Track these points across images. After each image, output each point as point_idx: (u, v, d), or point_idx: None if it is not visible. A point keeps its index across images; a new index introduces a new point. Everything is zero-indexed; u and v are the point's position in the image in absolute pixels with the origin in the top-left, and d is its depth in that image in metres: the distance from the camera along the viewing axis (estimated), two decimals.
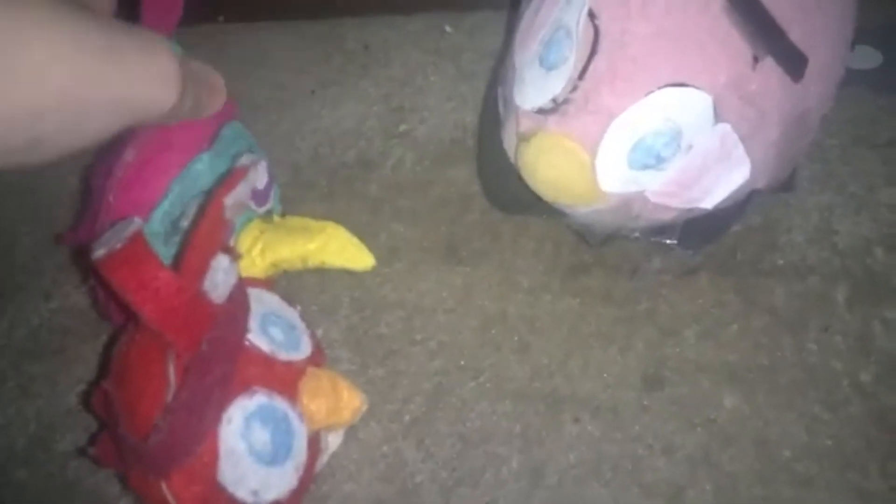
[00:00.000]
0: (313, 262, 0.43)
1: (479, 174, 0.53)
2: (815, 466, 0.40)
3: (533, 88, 0.43)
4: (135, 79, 0.29)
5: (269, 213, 0.46)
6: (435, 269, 0.51)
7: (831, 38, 0.42)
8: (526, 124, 0.43)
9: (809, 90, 0.41)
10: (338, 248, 0.44)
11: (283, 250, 0.42)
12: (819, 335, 0.44)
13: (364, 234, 0.52)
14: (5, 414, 0.47)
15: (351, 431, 0.44)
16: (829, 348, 0.44)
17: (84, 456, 0.43)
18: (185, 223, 0.40)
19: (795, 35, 0.40)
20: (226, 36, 0.68)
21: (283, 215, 0.48)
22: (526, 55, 0.44)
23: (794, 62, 0.40)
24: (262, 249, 0.42)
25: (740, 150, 0.41)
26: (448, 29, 0.65)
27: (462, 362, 0.47)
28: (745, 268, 0.47)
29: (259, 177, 0.43)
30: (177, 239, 0.40)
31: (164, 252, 0.40)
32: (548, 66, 0.42)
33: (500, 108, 0.48)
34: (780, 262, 0.47)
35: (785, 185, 0.47)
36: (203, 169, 0.41)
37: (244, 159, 0.40)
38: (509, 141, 0.46)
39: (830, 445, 0.41)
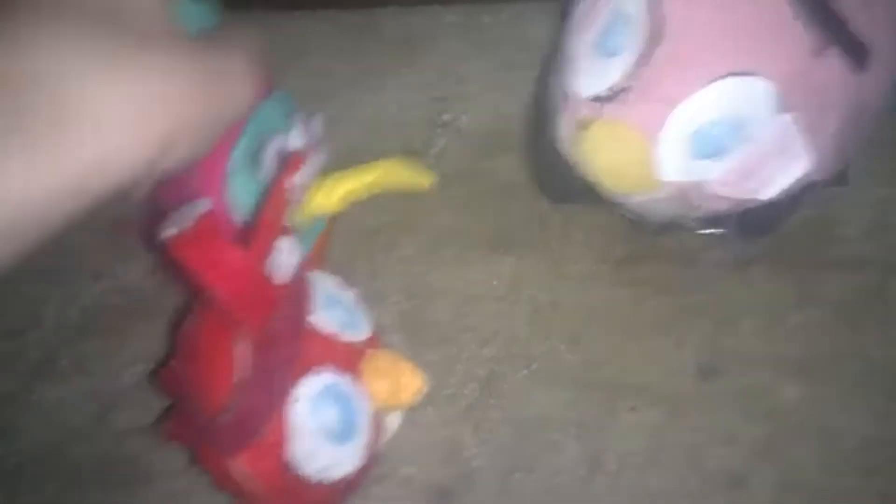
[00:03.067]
0: (377, 188, 0.46)
1: (530, 164, 0.53)
2: (879, 457, 0.40)
3: (590, 76, 0.43)
4: (232, 98, 0.30)
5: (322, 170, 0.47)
6: (483, 258, 0.51)
7: (892, 30, 0.42)
8: (583, 113, 0.43)
9: (870, 82, 0.41)
10: (396, 174, 0.47)
11: (348, 182, 0.45)
12: (877, 328, 0.44)
13: (410, 222, 0.53)
14: (60, 392, 0.48)
15: (408, 415, 0.43)
16: (888, 341, 0.44)
17: (154, 434, 0.43)
18: (265, 156, 0.42)
19: (858, 26, 0.40)
20: (262, 25, 0.67)
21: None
22: (583, 43, 0.44)
23: (856, 53, 0.40)
24: (330, 187, 0.45)
25: (801, 140, 0.41)
26: (487, 20, 0.65)
27: (514, 350, 0.47)
28: (800, 260, 0.47)
29: (313, 128, 0.46)
30: (260, 176, 0.42)
31: (251, 188, 0.42)
32: (607, 53, 0.42)
33: (554, 97, 0.48)
34: (836, 255, 0.47)
35: (840, 178, 0.47)
36: (270, 112, 0.43)
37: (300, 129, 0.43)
38: (564, 130, 0.46)
39: (893, 436, 0.41)
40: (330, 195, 0.45)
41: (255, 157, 0.42)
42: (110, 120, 0.25)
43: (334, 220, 0.49)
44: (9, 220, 0.23)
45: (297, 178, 0.38)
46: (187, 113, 0.27)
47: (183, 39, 0.28)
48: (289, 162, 0.39)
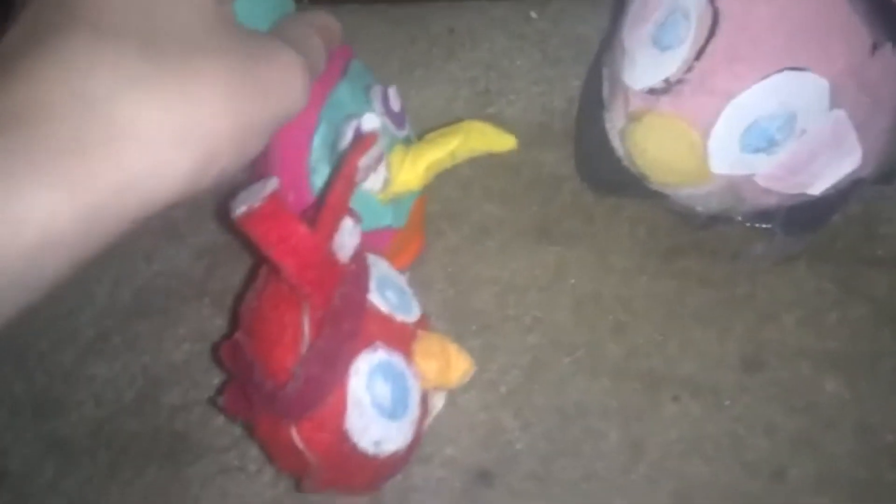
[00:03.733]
0: (462, 155, 0.45)
1: (576, 155, 0.54)
2: None
3: (645, 69, 0.44)
4: (277, 104, 0.30)
5: (408, 140, 0.47)
6: (527, 248, 0.51)
7: None
8: (636, 104, 0.44)
9: None
10: (479, 137, 0.46)
11: (431, 154, 0.45)
12: None
13: (455, 211, 0.53)
14: (113, 368, 0.49)
15: (449, 398, 0.44)
16: None
17: (209, 408, 0.44)
18: (342, 145, 0.42)
19: None
20: None
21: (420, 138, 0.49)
22: (638, 36, 0.44)
23: None
24: (412, 160, 0.44)
25: (853, 137, 0.41)
26: (533, 15, 0.65)
27: (557, 338, 0.47)
28: (844, 257, 0.47)
29: (392, 100, 0.46)
30: None
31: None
32: (662, 46, 0.43)
33: (605, 90, 0.48)
34: (880, 252, 0.47)
35: (885, 176, 0.47)
36: (344, 95, 0.43)
37: (376, 93, 0.44)
38: (615, 122, 0.46)
39: None
40: (414, 169, 0.45)
41: (334, 147, 0.43)
42: (142, 143, 0.25)
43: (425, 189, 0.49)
44: (33, 247, 0.23)
45: (366, 158, 0.39)
46: (225, 128, 0.27)
47: (230, 42, 0.29)
48: (359, 141, 0.40)
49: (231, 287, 0.51)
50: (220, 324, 0.50)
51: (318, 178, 0.43)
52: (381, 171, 0.44)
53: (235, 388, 0.38)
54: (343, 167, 0.37)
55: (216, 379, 0.47)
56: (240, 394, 0.38)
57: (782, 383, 0.43)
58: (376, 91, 0.46)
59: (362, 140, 0.39)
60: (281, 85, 0.30)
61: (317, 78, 0.35)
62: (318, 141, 0.43)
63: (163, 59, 0.26)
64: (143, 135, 0.25)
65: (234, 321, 0.39)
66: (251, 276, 0.40)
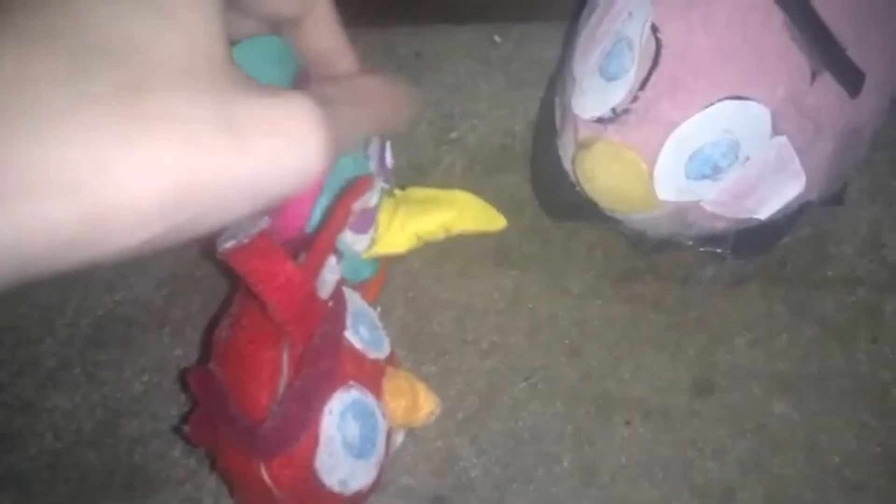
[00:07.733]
0: (454, 230, 0.45)
1: (533, 181, 0.54)
2: (865, 473, 0.41)
3: (592, 98, 0.44)
4: (263, 163, 0.21)
5: (391, 189, 0.47)
6: (486, 271, 0.52)
7: (887, 56, 0.43)
8: (585, 133, 0.44)
9: (864, 105, 0.42)
10: (474, 215, 0.46)
11: (424, 222, 0.44)
12: (868, 346, 0.45)
13: None
14: (73, 399, 0.49)
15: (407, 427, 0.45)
16: (878, 359, 0.44)
17: (170, 438, 0.44)
18: None
19: (853, 52, 0.41)
20: None
21: (403, 188, 0.49)
22: (586, 66, 0.45)
23: (851, 78, 0.41)
24: (402, 223, 0.44)
25: (796, 162, 0.42)
26: (497, 39, 0.66)
27: (513, 363, 0.48)
28: (795, 279, 0.48)
29: (388, 158, 0.46)
30: (343, 235, 0.41)
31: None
32: (608, 76, 0.44)
33: (557, 117, 0.49)
34: (830, 273, 0.48)
35: (835, 198, 0.48)
36: (346, 159, 0.43)
37: (372, 148, 0.43)
38: (566, 149, 0.47)
39: (880, 452, 0.41)
40: (403, 234, 0.44)
41: None
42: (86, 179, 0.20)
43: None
44: None
45: (360, 202, 0.39)
46: (191, 177, 0.19)
47: (219, 80, 0.20)
48: (356, 185, 0.40)
49: (191, 316, 0.51)
50: (179, 354, 0.50)
51: None
52: (370, 233, 0.44)
53: (202, 417, 0.39)
54: (337, 209, 0.38)
55: (174, 410, 0.48)
56: (206, 423, 0.38)
57: (732, 406, 0.44)
58: (374, 148, 0.45)
59: (358, 183, 0.39)
60: (275, 147, 0.21)
61: (340, 151, 0.25)
62: (318, 212, 0.42)
63: (104, 82, 0.19)
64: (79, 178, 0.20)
65: (205, 348, 0.39)
66: (224, 305, 0.40)
